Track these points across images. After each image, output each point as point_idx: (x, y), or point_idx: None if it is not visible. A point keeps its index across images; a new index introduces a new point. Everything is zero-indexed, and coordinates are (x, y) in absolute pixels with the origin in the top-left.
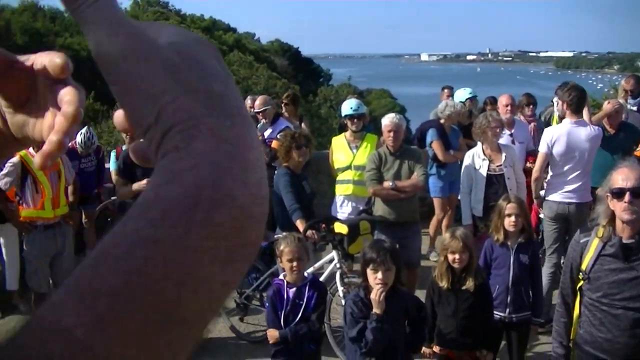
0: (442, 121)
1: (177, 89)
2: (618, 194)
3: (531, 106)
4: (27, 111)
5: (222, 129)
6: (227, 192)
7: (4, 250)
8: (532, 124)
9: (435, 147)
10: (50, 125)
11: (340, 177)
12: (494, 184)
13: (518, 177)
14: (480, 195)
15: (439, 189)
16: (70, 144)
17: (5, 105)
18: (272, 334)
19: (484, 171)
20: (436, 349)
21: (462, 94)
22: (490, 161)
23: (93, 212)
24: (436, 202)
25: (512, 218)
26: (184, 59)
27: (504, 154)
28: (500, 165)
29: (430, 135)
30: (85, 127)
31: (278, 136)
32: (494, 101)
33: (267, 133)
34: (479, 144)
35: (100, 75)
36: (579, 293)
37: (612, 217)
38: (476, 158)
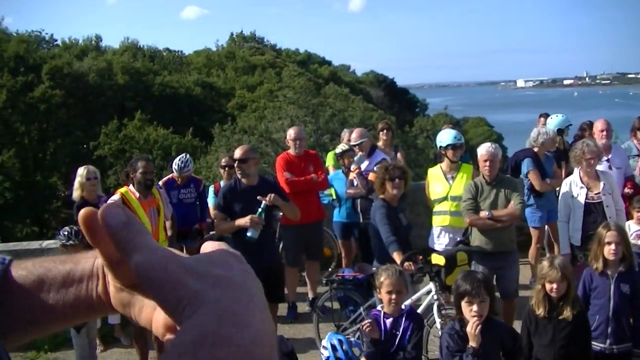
0: (536, 150)
1: (190, 279)
2: None
3: None
4: (132, 293)
5: (218, 297)
6: (225, 336)
7: None
8: None
9: (532, 177)
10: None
11: (436, 208)
12: (593, 212)
13: (617, 204)
14: (578, 224)
15: (537, 218)
16: (170, 175)
17: (114, 281)
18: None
19: (581, 199)
20: None
21: (554, 121)
22: (588, 189)
23: (193, 248)
24: (534, 232)
25: (612, 246)
26: (199, 260)
27: (602, 182)
28: (599, 193)
29: (526, 165)
30: (184, 154)
31: (375, 168)
32: (590, 126)
33: (364, 165)
34: (576, 171)
35: (198, 112)
36: None
37: None
38: (573, 186)
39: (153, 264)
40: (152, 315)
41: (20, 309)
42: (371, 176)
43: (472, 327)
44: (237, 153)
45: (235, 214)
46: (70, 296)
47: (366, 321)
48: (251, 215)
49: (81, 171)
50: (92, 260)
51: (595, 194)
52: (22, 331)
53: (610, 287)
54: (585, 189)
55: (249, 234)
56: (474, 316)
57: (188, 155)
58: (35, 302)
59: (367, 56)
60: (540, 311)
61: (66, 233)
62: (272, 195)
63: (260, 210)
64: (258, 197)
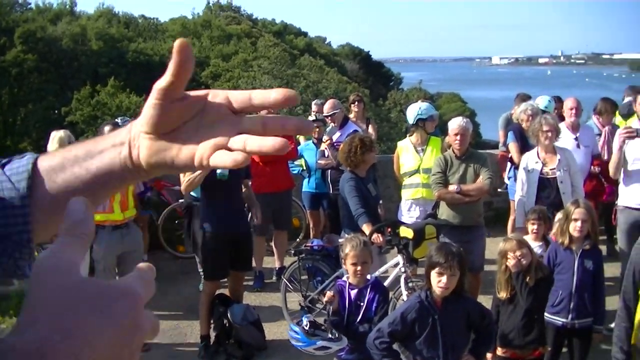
0: (523, 125)
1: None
2: None
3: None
4: (171, 139)
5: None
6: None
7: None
8: (607, 127)
9: (511, 148)
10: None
11: (407, 181)
12: (547, 187)
13: (574, 180)
14: (532, 199)
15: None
16: None
17: (148, 130)
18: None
19: (536, 174)
20: (499, 351)
21: (543, 101)
22: (544, 164)
23: (145, 217)
24: (512, 205)
25: (579, 223)
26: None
27: (558, 157)
28: (554, 168)
29: (509, 137)
30: (122, 118)
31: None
32: (558, 100)
33: (335, 136)
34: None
35: None
36: None
37: None
38: (530, 161)
39: (48, 263)
40: (194, 151)
41: (47, 197)
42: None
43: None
44: None
45: (206, 180)
46: (93, 167)
47: (329, 293)
48: None
49: (61, 134)
50: (123, 133)
51: (550, 169)
52: (52, 221)
53: (575, 263)
54: (541, 164)
55: (218, 171)
56: (440, 287)
57: (127, 119)
58: (59, 183)
59: (343, 28)
60: (503, 294)
61: None
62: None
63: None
64: None
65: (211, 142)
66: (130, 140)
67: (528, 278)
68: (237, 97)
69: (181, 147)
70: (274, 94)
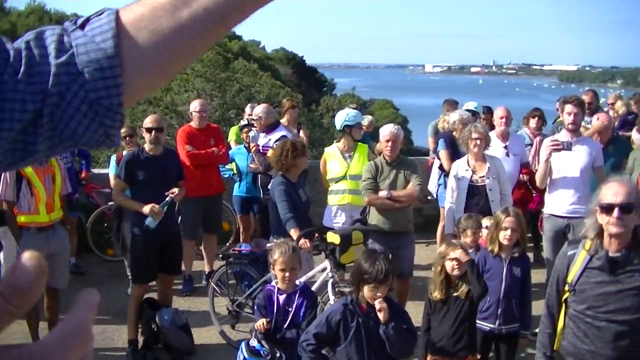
0: (454, 133)
1: None
2: (607, 208)
3: (537, 119)
4: None
5: None
6: None
7: (2, 252)
8: (538, 137)
9: (441, 156)
10: None
11: (334, 187)
12: (476, 194)
13: (503, 188)
14: (461, 206)
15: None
16: None
17: None
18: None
19: (465, 182)
20: (429, 358)
21: (470, 105)
22: (474, 172)
23: (73, 219)
24: (442, 212)
25: (508, 232)
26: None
27: (487, 165)
28: (483, 176)
29: (439, 144)
30: None
31: (274, 145)
32: (488, 111)
33: (264, 141)
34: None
35: None
36: (564, 305)
37: (600, 231)
38: (460, 168)
39: None
40: None
41: (142, 49)
42: (270, 153)
43: (381, 309)
44: (154, 122)
45: (137, 183)
46: (200, 10)
47: (262, 321)
48: (153, 204)
49: None
50: None
51: (480, 177)
52: (151, 74)
53: (503, 269)
54: (471, 172)
55: (147, 222)
56: (376, 299)
57: None
58: (165, 27)
59: (277, 33)
60: (437, 294)
61: None
62: (178, 190)
63: (164, 202)
64: (166, 194)
65: None
66: None
67: (462, 288)
68: None
69: None
70: None
